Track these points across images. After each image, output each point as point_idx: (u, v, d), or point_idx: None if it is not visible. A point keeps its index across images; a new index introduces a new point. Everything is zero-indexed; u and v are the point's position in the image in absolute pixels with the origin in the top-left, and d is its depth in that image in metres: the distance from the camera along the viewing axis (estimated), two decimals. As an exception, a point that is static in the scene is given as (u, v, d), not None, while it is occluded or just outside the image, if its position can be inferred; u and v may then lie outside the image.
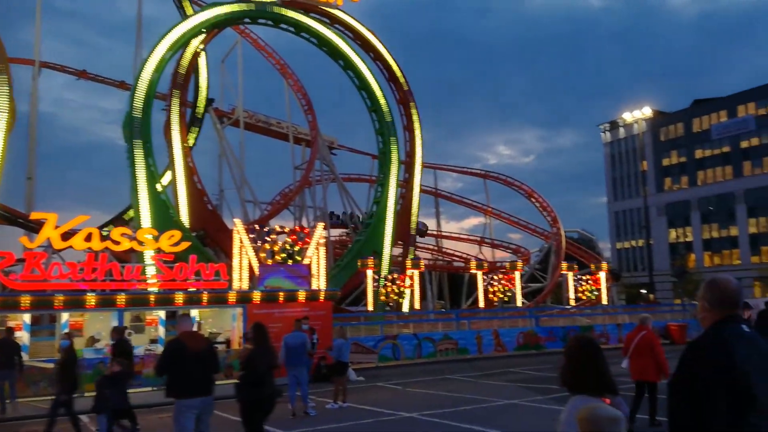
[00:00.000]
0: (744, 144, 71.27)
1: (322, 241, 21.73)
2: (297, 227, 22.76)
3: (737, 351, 3.10)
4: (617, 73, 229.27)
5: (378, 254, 32.98)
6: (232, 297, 17.75)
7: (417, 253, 39.72)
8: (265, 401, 7.53)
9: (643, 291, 64.60)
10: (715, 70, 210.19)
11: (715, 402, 3.01)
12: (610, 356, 3.59)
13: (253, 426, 7.50)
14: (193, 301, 17.19)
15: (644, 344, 9.55)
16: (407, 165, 38.80)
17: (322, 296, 19.30)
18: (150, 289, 17.29)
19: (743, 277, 62.80)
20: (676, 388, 3.23)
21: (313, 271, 21.43)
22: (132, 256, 25.05)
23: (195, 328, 7.84)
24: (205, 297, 17.29)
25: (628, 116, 52.68)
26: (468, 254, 54.84)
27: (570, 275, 35.40)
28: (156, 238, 18.47)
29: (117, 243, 17.93)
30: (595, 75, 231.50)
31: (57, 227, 16.88)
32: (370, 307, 29.80)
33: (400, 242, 36.79)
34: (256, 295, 18.23)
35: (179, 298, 16.84)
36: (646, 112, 49.47)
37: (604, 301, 35.97)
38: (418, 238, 43.07)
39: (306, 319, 15.22)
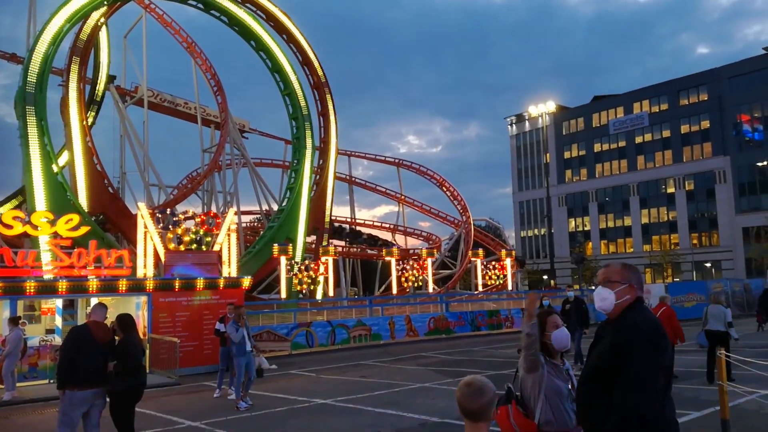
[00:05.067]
0: (638, 139, 75.98)
1: (234, 227, 21.05)
2: (208, 212, 21.89)
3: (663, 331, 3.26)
4: (523, 69, 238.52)
5: (291, 241, 32.55)
6: (122, 285, 16.62)
7: (330, 240, 39.54)
8: (140, 389, 7.33)
9: (545, 277, 67.80)
10: (612, 68, 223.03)
11: (657, 380, 3.07)
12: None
13: (127, 416, 7.25)
14: (79, 289, 16.00)
15: (664, 317, 12.08)
16: (321, 151, 38.42)
17: (221, 283, 18.61)
18: (32, 276, 15.88)
19: (636, 264, 67.11)
20: (612, 375, 3.13)
21: (224, 258, 20.76)
22: (25, 242, 23.36)
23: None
24: (93, 285, 16.08)
25: (533, 110, 54.65)
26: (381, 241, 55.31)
27: (478, 262, 36.55)
28: (52, 222, 17.23)
29: (9, 227, 16.61)
30: (501, 70, 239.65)
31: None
32: (284, 295, 29.39)
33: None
34: (150, 283, 17.32)
35: (62, 286, 15.64)
36: (550, 106, 51.37)
37: (510, 286, 37.45)
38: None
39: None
